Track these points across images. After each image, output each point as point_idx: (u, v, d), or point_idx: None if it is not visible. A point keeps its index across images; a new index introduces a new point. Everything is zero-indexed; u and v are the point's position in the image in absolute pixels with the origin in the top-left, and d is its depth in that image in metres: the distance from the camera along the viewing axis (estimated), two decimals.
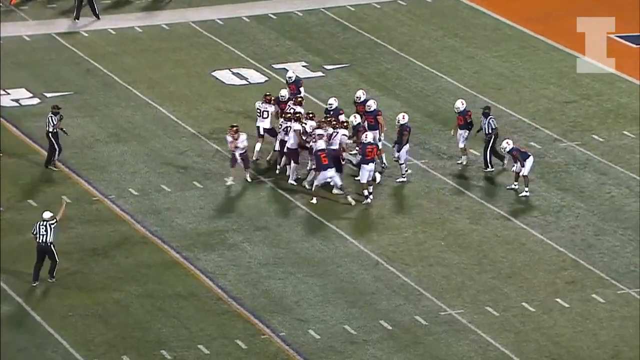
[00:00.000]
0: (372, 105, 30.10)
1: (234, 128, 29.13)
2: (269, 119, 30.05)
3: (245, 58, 35.96)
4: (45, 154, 30.51)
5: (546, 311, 25.78)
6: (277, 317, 25.35)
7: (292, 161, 29.33)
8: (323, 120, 29.59)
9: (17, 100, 33.51)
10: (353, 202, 28.70)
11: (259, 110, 30.21)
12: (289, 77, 31.15)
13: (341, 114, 30.27)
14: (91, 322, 25.03)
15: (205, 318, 25.23)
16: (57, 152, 29.76)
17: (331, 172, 28.48)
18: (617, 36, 37.13)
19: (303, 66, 35.59)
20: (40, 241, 25.75)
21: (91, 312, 25.30)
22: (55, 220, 25.74)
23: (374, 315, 25.47)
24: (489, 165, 30.01)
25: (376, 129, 29.83)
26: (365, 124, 29.94)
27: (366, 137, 28.76)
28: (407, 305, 25.81)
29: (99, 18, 36.68)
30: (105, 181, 29.79)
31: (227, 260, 27.10)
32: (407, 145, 29.73)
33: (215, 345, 24.50)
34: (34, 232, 25.81)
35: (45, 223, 25.79)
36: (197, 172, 30.31)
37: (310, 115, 29.93)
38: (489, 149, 29.93)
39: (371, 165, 28.62)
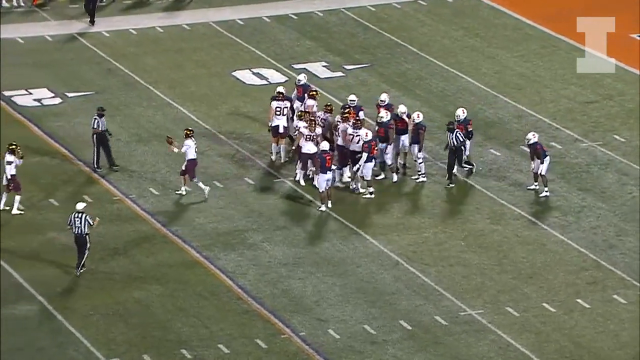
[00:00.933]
0: (384, 116, 29.72)
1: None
2: (286, 117, 30.09)
3: (266, 58, 35.97)
4: (68, 153, 30.59)
5: (567, 312, 25.70)
6: (297, 316, 25.34)
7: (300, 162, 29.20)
8: (344, 116, 29.56)
9: (39, 100, 33.61)
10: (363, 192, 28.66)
11: (279, 109, 30.20)
12: (299, 80, 31.05)
13: (361, 110, 30.26)
14: (112, 321, 25.08)
15: (225, 317, 25.25)
16: (97, 154, 29.62)
17: (329, 176, 28.24)
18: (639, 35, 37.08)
19: (323, 66, 35.58)
20: (76, 232, 26.02)
21: (112, 311, 25.35)
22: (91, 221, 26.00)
23: (394, 315, 25.44)
24: (451, 179, 29.47)
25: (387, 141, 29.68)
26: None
27: (367, 135, 28.70)
28: (427, 305, 25.77)
29: (93, 24, 36.63)
30: (126, 181, 29.85)
31: (247, 260, 27.11)
32: (422, 144, 29.65)
33: (235, 345, 24.51)
34: (69, 224, 26.07)
35: (79, 214, 26.00)
36: (217, 171, 30.33)
37: (329, 107, 29.97)
38: (455, 162, 29.34)
39: (329, 174, 28.27)
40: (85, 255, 26.08)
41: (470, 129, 29.90)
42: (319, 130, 29.14)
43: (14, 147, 28.23)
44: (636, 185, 30.12)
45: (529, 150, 29.37)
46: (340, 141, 29.29)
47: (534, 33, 37.76)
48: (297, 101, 30.72)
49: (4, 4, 38.14)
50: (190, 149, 28.72)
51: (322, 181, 28.32)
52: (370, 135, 28.83)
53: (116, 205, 28.92)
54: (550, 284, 26.54)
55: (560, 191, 29.86)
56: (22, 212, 28.22)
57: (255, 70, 35.33)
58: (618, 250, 27.66)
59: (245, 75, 35.08)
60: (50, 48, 36.42)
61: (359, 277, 26.59)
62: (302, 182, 29.29)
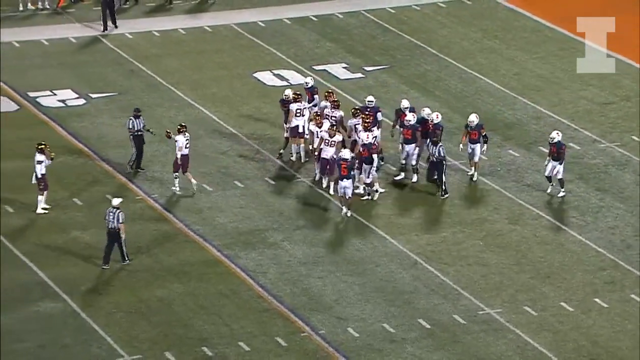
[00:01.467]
0: (411, 119, 29.62)
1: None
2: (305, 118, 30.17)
3: (287, 59, 36.02)
4: (92, 153, 30.71)
5: (585, 311, 25.65)
6: (316, 315, 25.37)
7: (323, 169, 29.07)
8: (363, 117, 29.55)
9: (63, 101, 33.74)
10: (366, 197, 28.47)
11: (299, 110, 30.24)
12: (306, 84, 31.00)
13: (379, 111, 30.27)
14: (135, 319, 25.17)
15: (246, 316, 25.31)
16: (135, 155, 29.65)
17: (346, 183, 27.97)
18: None
19: (343, 67, 35.60)
20: (109, 226, 26.25)
21: (135, 309, 25.44)
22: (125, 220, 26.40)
23: (413, 314, 25.45)
24: (445, 191, 29.02)
25: (413, 143, 29.52)
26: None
27: (341, 153, 27.99)
28: (446, 304, 25.76)
29: (107, 29, 36.56)
30: (149, 180, 29.94)
31: (267, 259, 27.16)
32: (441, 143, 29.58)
33: (255, 343, 24.56)
34: (105, 218, 26.32)
35: (114, 210, 26.24)
36: (238, 171, 30.40)
37: (336, 102, 29.96)
38: (442, 174, 28.87)
39: (346, 182, 27.89)
40: (124, 247, 26.34)
41: (484, 133, 29.71)
42: (339, 137, 29.01)
43: (43, 146, 28.35)
44: None
45: (550, 148, 29.13)
46: (347, 154, 28.76)
47: (553, 35, 37.68)
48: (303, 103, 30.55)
49: (29, 6, 38.32)
50: (179, 143, 28.76)
51: (340, 188, 28.03)
52: (348, 154, 28.08)
53: (139, 205, 29.01)
54: (568, 284, 26.49)
55: (579, 191, 29.80)
56: (46, 212, 28.34)
57: (276, 72, 35.38)
58: (636, 250, 27.58)
59: (266, 77, 35.14)
60: (74, 50, 36.55)
61: (378, 276, 26.60)
62: (331, 191, 29.00)
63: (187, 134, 28.98)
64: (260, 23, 38.09)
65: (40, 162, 28.20)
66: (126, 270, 26.64)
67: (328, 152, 29.00)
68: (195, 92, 34.24)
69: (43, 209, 28.34)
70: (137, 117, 29.72)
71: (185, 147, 28.92)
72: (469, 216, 28.76)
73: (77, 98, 33.88)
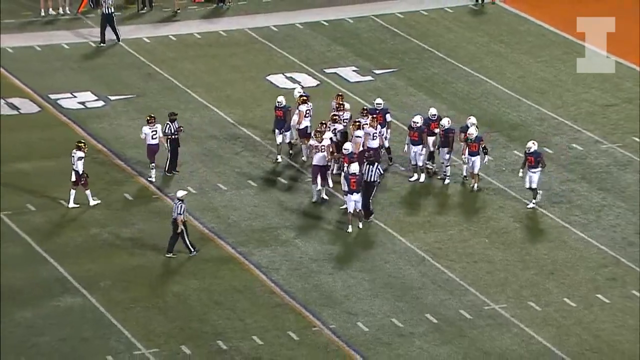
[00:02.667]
0: (418, 121, 29.42)
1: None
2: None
3: (299, 63, 36.01)
4: (110, 153, 30.74)
5: (587, 306, 25.60)
6: (327, 310, 25.37)
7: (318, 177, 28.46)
8: (371, 119, 29.53)
9: (83, 103, 33.78)
10: (349, 230, 27.64)
11: (308, 111, 30.21)
12: (296, 93, 30.61)
13: (388, 112, 30.23)
14: (152, 313, 25.19)
15: (259, 310, 25.31)
16: (169, 158, 29.52)
17: (356, 197, 27.38)
18: None
19: (353, 71, 35.59)
20: (174, 217, 26.51)
21: (152, 304, 25.46)
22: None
23: (421, 309, 25.43)
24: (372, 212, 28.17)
25: (419, 144, 29.31)
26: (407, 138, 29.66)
27: (350, 168, 27.48)
28: (452, 299, 25.74)
29: (104, 42, 36.17)
30: (165, 180, 29.95)
31: (279, 256, 27.16)
32: (452, 147, 29.47)
33: (268, 337, 24.57)
34: (172, 210, 26.72)
35: (177, 202, 26.56)
36: (251, 171, 30.40)
37: (341, 105, 29.80)
38: (370, 197, 27.89)
39: (356, 196, 27.38)
40: (185, 238, 26.55)
41: (484, 145, 29.16)
42: (326, 141, 28.46)
43: (81, 144, 28.35)
44: None
45: (527, 158, 28.35)
46: (355, 168, 27.99)
47: (557, 39, 37.62)
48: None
49: (51, 11, 38.38)
50: (147, 135, 28.94)
51: (350, 201, 27.52)
52: (353, 168, 27.40)
53: (155, 203, 29.03)
54: (571, 280, 26.45)
55: (581, 191, 29.74)
56: (77, 206, 28.21)
57: (288, 75, 35.38)
58: (637, 247, 27.52)
59: (278, 79, 35.14)
60: (93, 53, 36.59)
61: (386, 273, 26.58)
62: (314, 198, 28.53)
63: (156, 125, 29.01)
64: (273, 28, 38.10)
65: (80, 159, 28.19)
66: (144, 267, 26.67)
67: (319, 159, 28.37)
68: (210, 94, 34.26)
69: (77, 203, 28.26)
70: (172, 120, 29.54)
71: (152, 138, 28.91)
72: (475, 214, 28.72)
73: (96, 100, 33.91)
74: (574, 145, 31.79)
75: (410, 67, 35.85)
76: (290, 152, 30.43)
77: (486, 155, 29.09)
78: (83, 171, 28.30)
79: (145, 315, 25.11)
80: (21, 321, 24.86)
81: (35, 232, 27.70)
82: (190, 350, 24.21)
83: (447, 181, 29.60)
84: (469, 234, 27.99)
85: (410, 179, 29.58)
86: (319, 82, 34.95)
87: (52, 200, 28.83)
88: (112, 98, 33.96)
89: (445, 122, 29.59)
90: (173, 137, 29.57)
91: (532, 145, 28.59)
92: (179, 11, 37.43)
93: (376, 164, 27.87)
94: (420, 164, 29.53)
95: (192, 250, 26.73)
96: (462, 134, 29.25)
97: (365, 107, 30.33)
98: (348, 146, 28.25)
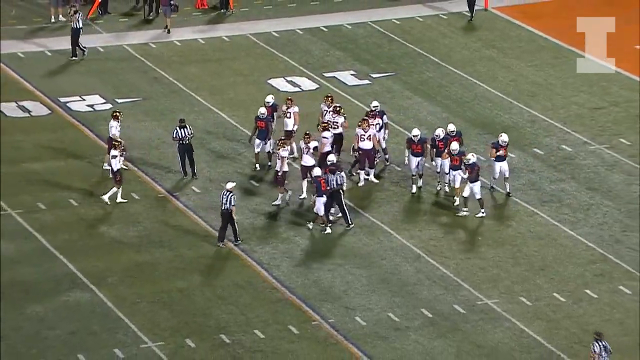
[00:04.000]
0: (418, 134, 28.82)
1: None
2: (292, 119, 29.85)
3: (299, 67, 36.00)
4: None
5: (576, 301, 25.60)
6: (326, 305, 25.36)
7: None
8: (365, 118, 29.39)
9: (91, 106, 33.77)
10: (329, 230, 27.24)
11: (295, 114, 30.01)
12: (268, 102, 30.17)
13: (385, 114, 30.14)
14: (157, 308, 25.18)
15: (260, 305, 25.30)
16: (182, 162, 29.31)
17: (325, 199, 27.08)
18: None
19: (351, 74, 35.58)
20: (223, 208, 26.68)
21: (157, 300, 25.45)
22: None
23: (416, 303, 25.42)
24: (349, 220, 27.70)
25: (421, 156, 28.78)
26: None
27: (313, 172, 27.15)
28: (447, 295, 25.73)
29: (76, 56, 35.55)
30: (170, 180, 29.93)
31: (280, 253, 27.15)
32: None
33: (269, 331, 24.56)
34: (220, 200, 26.81)
35: (227, 193, 26.68)
36: (253, 172, 30.38)
37: (338, 108, 29.57)
38: (343, 204, 27.36)
39: (325, 198, 27.04)
40: (236, 228, 26.79)
41: (464, 161, 28.09)
42: (314, 142, 28.06)
43: (117, 143, 28.41)
44: None
45: (466, 169, 27.89)
46: (318, 172, 27.76)
47: (547, 44, 37.61)
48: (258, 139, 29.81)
49: (60, 18, 38.35)
50: (112, 128, 29.24)
51: (319, 205, 27.16)
52: (317, 172, 27.17)
53: (161, 202, 29.02)
54: (560, 276, 26.45)
55: (570, 190, 29.74)
56: (126, 200, 28.22)
57: (288, 79, 35.36)
58: (623, 245, 27.52)
59: (279, 83, 35.12)
60: (101, 58, 36.57)
61: (383, 269, 26.57)
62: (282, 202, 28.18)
63: (120, 119, 29.45)
64: (274, 33, 38.08)
65: (114, 157, 28.14)
66: (149, 263, 26.66)
67: (308, 161, 28.05)
68: (213, 97, 34.24)
69: (108, 199, 28.23)
70: (182, 127, 29.42)
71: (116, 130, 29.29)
72: (469, 213, 28.68)
73: (104, 103, 33.89)
74: (564, 146, 31.78)
75: (406, 71, 35.83)
76: (269, 163, 29.89)
77: (466, 172, 28.13)
78: (118, 169, 28.17)
79: (151, 310, 25.09)
80: (32, 315, 24.86)
81: (46, 230, 27.69)
82: (195, 344, 24.20)
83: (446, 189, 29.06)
84: (462, 232, 27.98)
85: (413, 193, 28.90)
86: (318, 86, 34.94)
87: (61, 199, 28.81)
88: (120, 101, 33.94)
89: (471, 156, 28.24)
90: (181, 142, 29.38)
91: (471, 157, 27.89)
92: (170, 29, 37.09)
93: (336, 172, 27.41)
94: (420, 171, 28.83)
95: (238, 239, 26.76)
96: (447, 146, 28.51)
97: (368, 112, 29.96)
98: (332, 157, 27.79)
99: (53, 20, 38.28)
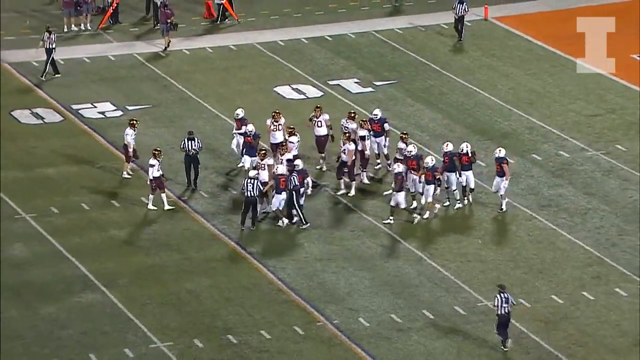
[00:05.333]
0: (429, 162, 28.00)
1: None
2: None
3: (304, 75, 35.97)
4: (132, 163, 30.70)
5: (573, 303, 25.52)
6: (330, 306, 25.30)
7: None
8: (363, 121, 29.25)
9: (102, 113, 33.76)
10: (283, 223, 27.18)
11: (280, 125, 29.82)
12: (237, 115, 29.91)
13: (386, 122, 30.05)
14: (166, 309, 25.13)
15: (267, 307, 25.24)
16: (187, 173, 29.16)
17: (283, 196, 27.13)
18: (639, 56, 36.88)
19: (355, 82, 35.54)
20: (247, 195, 26.94)
21: (166, 301, 25.41)
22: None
23: (418, 305, 25.35)
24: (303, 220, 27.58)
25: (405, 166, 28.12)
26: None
27: (277, 170, 27.18)
28: (448, 296, 25.66)
29: (58, 73, 34.85)
30: (179, 184, 29.88)
31: (286, 256, 27.09)
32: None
33: (275, 331, 24.50)
34: (242, 188, 27.06)
35: (251, 180, 26.95)
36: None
37: (352, 114, 29.58)
38: (295, 204, 27.38)
39: (283, 195, 27.02)
40: (257, 214, 27.14)
41: (438, 177, 27.44)
42: (269, 160, 27.98)
43: (156, 152, 28.31)
44: (636, 190, 29.88)
45: (425, 173, 27.65)
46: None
47: (545, 53, 37.55)
48: (238, 135, 29.59)
49: (73, 27, 38.35)
50: (128, 135, 29.42)
51: (275, 201, 27.23)
52: (280, 170, 27.17)
53: (170, 207, 28.94)
54: (558, 278, 26.37)
55: (568, 195, 29.67)
56: (173, 207, 28.21)
57: (294, 86, 35.34)
58: (620, 248, 27.44)
59: (285, 91, 35.10)
60: (113, 66, 36.57)
61: (386, 272, 26.50)
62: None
63: (136, 127, 29.36)
64: (280, 42, 38.06)
65: (152, 166, 28.12)
66: (158, 266, 26.61)
67: (264, 176, 27.70)
68: (221, 104, 34.21)
69: (167, 204, 28.21)
70: (190, 139, 29.25)
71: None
72: (469, 217, 28.63)
73: (115, 110, 33.88)
74: (561, 152, 31.71)
75: (408, 79, 35.79)
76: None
77: (438, 187, 27.83)
78: (155, 177, 28.10)
79: (160, 311, 25.04)
80: (45, 315, 24.83)
81: (59, 233, 27.66)
82: (202, 344, 24.15)
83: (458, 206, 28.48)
84: (463, 236, 27.91)
85: (420, 217, 28.16)
86: (323, 93, 34.90)
87: (73, 204, 28.77)
88: (130, 108, 33.92)
89: (465, 146, 28.26)
90: (189, 154, 29.22)
91: (430, 161, 27.33)
92: (167, 47, 36.91)
93: (294, 174, 27.26)
94: (430, 199, 27.96)
95: (254, 226, 27.04)
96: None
97: (364, 119, 29.90)
98: (298, 162, 27.53)
99: (66, 30, 38.28)
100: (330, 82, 35.51)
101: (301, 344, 24.20)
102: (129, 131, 29.55)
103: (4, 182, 29.57)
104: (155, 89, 35.15)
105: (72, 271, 26.38)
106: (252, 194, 26.94)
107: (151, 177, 28.31)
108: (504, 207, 28.53)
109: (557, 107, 34.37)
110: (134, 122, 29.63)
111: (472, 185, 28.53)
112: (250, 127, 29.61)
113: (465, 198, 28.62)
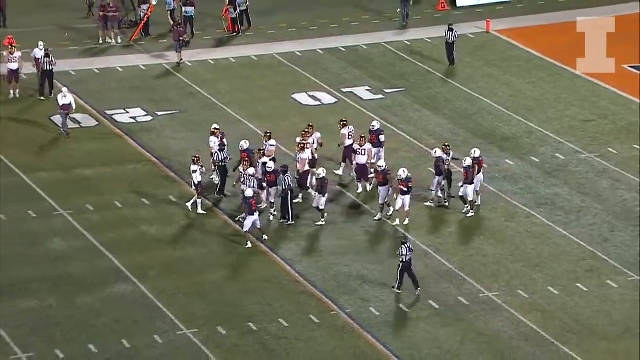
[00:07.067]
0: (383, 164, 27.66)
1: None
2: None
3: (320, 83, 35.98)
4: (157, 161, 30.76)
5: (568, 294, 25.49)
6: (343, 296, 25.32)
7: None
8: (362, 137, 28.83)
9: (134, 118, 33.85)
10: (249, 245, 26.48)
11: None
12: (215, 128, 29.42)
13: (382, 133, 29.72)
14: (192, 299, 25.20)
15: (284, 297, 25.27)
16: (219, 182, 28.95)
17: (255, 216, 26.41)
18: (630, 66, 36.76)
19: (367, 90, 35.53)
20: (283, 187, 26.92)
21: (192, 291, 25.47)
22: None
23: (424, 296, 25.35)
24: (290, 218, 27.31)
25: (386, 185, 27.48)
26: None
27: (246, 193, 26.31)
28: (452, 288, 25.65)
29: (43, 95, 33.54)
30: (205, 184, 29.87)
31: (303, 250, 27.12)
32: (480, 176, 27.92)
33: (293, 319, 24.53)
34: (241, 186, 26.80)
35: (284, 175, 26.86)
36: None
37: (344, 122, 29.09)
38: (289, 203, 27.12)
39: (256, 215, 26.33)
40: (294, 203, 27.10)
41: (410, 186, 27.01)
42: (251, 170, 27.59)
43: (196, 158, 28.17)
44: (627, 190, 29.81)
45: (376, 175, 27.43)
46: (250, 193, 26.97)
47: (543, 64, 37.47)
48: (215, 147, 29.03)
49: (107, 40, 38.47)
50: (211, 142, 28.66)
51: (250, 221, 26.44)
52: (249, 193, 26.36)
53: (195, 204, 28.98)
54: (554, 271, 26.32)
55: (563, 194, 29.61)
56: (205, 213, 27.92)
57: (310, 94, 35.35)
58: (611, 243, 27.38)
59: (302, 98, 35.11)
60: (144, 75, 36.65)
61: (395, 265, 26.51)
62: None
63: (218, 135, 28.83)
64: (297, 53, 38.08)
65: (194, 172, 27.98)
66: (185, 259, 26.67)
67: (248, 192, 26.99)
68: (243, 110, 34.26)
69: (193, 209, 27.87)
70: (221, 150, 29.07)
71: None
72: (472, 215, 28.58)
73: (146, 115, 33.96)
74: (557, 154, 31.65)
75: (416, 87, 35.76)
76: (234, 183, 28.50)
77: (407, 195, 27.34)
78: (199, 182, 27.91)
79: (187, 301, 25.11)
80: (82, 305, 24.93)
81: (94, 229, 27.75)
82: (225, 331, 24.20)
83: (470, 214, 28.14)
84: (466, 232, 27.88)
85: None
86: (336, 100, 34.91)
87: (107, 202, 28.87)
88: (159, 114, 33.99)
89: (440, 152, 28.07)
90: (221, 164, 29.10)
91: (383, 164, 26.99)
92: (180, 62, 36.77)
93: (287, 174, 27.18)
94: (470, 198, 27.48)
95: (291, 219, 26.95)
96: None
97: (362, 135, 29.06)
98: (250, 192, 26.76)
99: (101, 42, 38.40)
100: (344, 90, 35.51)
101: (316, 331, 24.23)
102: (213, 139, 28.77)
103: (46, 182, 29.68)
104: (182, 96, 35.21)
105: (106, 264, 26.45)
106: (287, 186, 26.77)
107: (196, 182, 28.04)
108: (478, 202, 28.27)
109: (553, 113, 34.30)
110: (196, 158, 28.16)
111: (470, 198, 28.01)
112: (242, 143, 28.67)
113: (467, 208, 28.15)
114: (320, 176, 27.62)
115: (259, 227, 26.80)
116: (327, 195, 27.69)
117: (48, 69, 33.77)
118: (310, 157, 28.94)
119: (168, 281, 25.84)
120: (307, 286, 25.75)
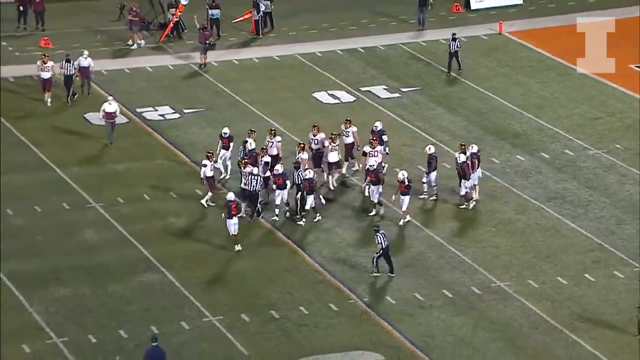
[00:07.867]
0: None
1: None
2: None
3: (339, 82, 36.01)
4: (184, 157, 30.84)
5: (577, 284, 25.44)
6: (361, 285, 25.38)
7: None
8: (371, 140, 28.65)
9: (162, 115, 33.98)
10: (238, 248, 26.09)
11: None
12: (224, 133, 29.30)
13: (384, 134, 29.52)
14: (217, 287, 25.31)
15: (305, 286, 25.35)
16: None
17: (235, 220, 25.99)
18: (636, 66, 36.61)
19: (384, 89, 35.53)
20: (248, 189, 26.76)
21: (217, 280, 25.56)
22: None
23: (438, 285, 25.37)
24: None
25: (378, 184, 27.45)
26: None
27: (228, 196, 26.01)
28: (465, 278, 25.65)
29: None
30: (231, 178, 29.98)
31: (322, 241, 27.18)
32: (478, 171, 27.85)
33: (313, 308, 24.60)
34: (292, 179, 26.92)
35: (254, 176, 26.68)
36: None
37: (315, 127, 28.99)
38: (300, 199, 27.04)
39: (235, 219, 25.93)
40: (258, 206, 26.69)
41: (410, 185, 26.93)
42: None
43: (209, 154, 28.18)
44: (633, 185, 29.71)
45: (369, 174, 27.25)
46: (232, 196, 26.40)
47: (553, 64, 37.36)
48: (223, 150, 29.12)
49: (138, 41, 38.62)
50: (247, 143, 28.18)
51: (230, 225, 26.04)
52: (230, 196, 25.85)
53: (220, 198, 29.08)
54: (563, 262, 26.28)
55: (572, 189, 29.54)
56: (211, 205, 27.78)
57: (330, 92, 35.38)
58: (618, 236, 27.30)
59: (322, 96, 35.15)
60: (172, 75, 36.78)
61: (410, 255, 26.53)
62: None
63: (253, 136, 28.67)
64: (318, 53, 38.12)
65: (204, 166, 28.00)
66: (209, 250, 26.78)
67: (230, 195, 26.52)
68: (266, 108, 34.33)
69: (207, 203, 27.81)
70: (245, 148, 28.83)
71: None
72: (484, 208, 28.58)
73: (174, 113, 34.08)
74: (567, 151, 31.56)
75: (431, 86, 35.73)
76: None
77: (407, 196, 27.25)
78: (208, 177, 27.92)
79: (212, 290, 25.23)
80: (113, 293, 25.09)
81: (124, 220, 27.91)
82: (249, 318, 24.30)
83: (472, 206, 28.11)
84: (478, 224, 27.87)
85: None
86: (355, 98, 34.93)
87: (137, 195, 29.01)
88: (186, 111, 34.11)
89: (430, 148, 28.06)
90: (252, 191, 28.84)
91: (375, 164, 27.10)
92: (204, 64, 36.66)
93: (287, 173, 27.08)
94: (462, 193, 27.64)
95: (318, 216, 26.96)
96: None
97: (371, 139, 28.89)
98: (231, 196, 26.48)
99: (130, 43, 38.57)
100: (362, 89, 35.52)
101: (335, 319, 24.29)
102: (249, 139, 28.44)
103: (79, 176, 29.83)
104: (208, 95, 35.30)
105: (136, 254, 26.59)
106: (254, 189, 26.57)
107: (203, 177, 28.20)
108: (477, 196, 28.09)
109: (563, 111, 34.19)
110: (209, 154, 28.15)
111: (462, 193, 27.83)
112: (250, 141, 28.57)
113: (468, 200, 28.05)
114: (307, 177, 27.46)
115: (236, 232, 26.14)
116: (314, 195, 27.31)
117: (69, 74, 33.53)
118: (336, 159, 28.56)
119: (194, 271, 25.95)
120: (326, 276, 25.81)
